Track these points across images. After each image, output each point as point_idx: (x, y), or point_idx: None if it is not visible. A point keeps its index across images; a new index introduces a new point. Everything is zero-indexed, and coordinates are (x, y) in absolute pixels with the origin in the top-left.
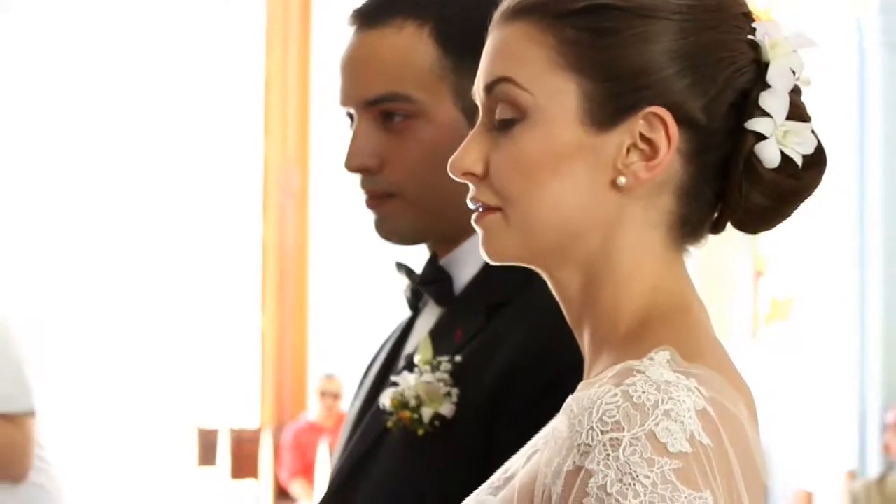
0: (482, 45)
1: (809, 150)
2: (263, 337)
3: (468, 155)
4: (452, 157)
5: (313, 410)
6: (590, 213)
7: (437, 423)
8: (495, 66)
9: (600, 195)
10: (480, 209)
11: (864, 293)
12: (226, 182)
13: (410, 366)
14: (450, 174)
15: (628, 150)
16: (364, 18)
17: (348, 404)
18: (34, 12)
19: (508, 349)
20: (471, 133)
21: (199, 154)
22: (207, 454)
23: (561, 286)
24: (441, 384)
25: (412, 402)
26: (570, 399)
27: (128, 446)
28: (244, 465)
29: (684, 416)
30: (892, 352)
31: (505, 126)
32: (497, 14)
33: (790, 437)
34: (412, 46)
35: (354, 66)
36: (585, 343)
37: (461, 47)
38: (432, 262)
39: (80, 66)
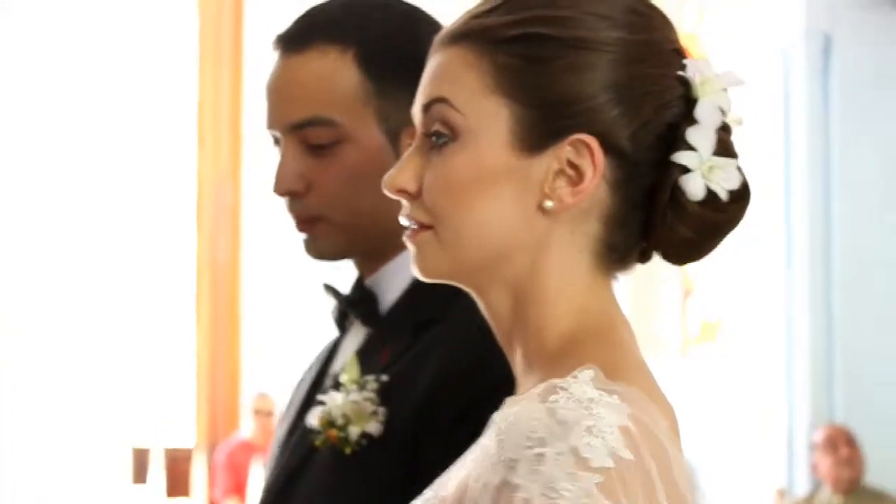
0: (405, 69)
1: (734, 185)
2: (197, 355)
3: (403, 173)
4: (387, 174)
5: (247, 429)
6: (517, 234)
7: (364, 441)
8: (432, 87)
9: (527, 217)
10: (413, 227)
11: (791, 315)
12: (159, 197)
13: (337, 385)
14: (384, 191)
15: (556, 175)
16: (288, 44)
17: None
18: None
19: (434, 367)
20: (407, 152)
21: (133, 169)
22: (141, 473)
23: (490, 306)
24: (368, 403)
25: (339, 421)
26: (496, 415)
27: (62, 464)
28: (178, 483)
29: (606, 432)
30: (819, 372)
31: (438, 146)
32: (438, 38)
33: (720, 456)
34: (335, 71)
35: (279, 91)
36: (516, 361)
37: (384, 71)
38: (358, 283)
39: (15, 79)
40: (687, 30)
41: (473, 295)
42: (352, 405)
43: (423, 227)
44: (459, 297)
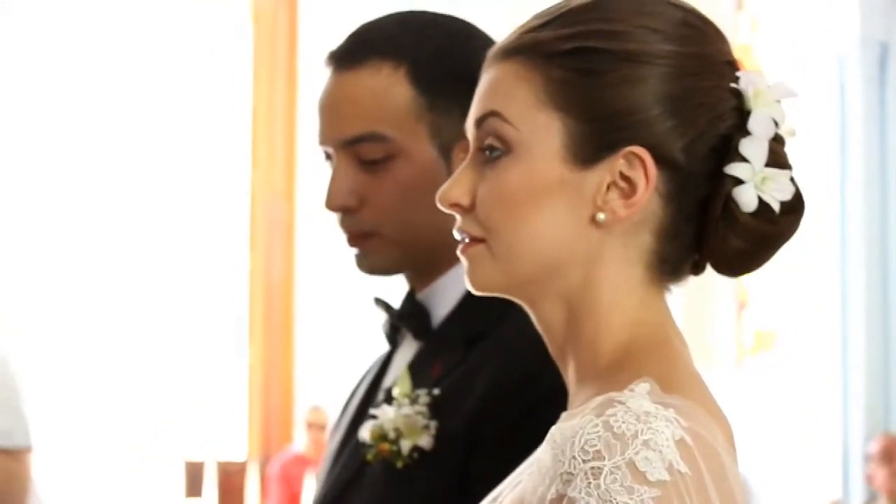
0: (457, 84)
1: (787, 196)
2: (250, 369)
3: (456, 187)
4: (441, 188)
5: (300, 442)
6: (570, 247)
7: (415, 455)
8: (486, 101)
9: (580, 230)
10: (466, 240)
11: (846, 325)
12: (213, 214)
13: (389, 399)
14: (438, 205)
15: (608, 188)
16: (340, 60)
17: None
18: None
19: (486, 380)
20: (461, 166)
21: (187, 187)
22: (194, 486)
23: (543, 319)
24: (419, 417)
25: (391, 435)
26: (553, 429)
27: (116, 479)
28: (231, 497)
29: (663, 446)
30: (874, 382)
31: (492, 159)
32: (491, 53)
33: (775, 467)
34: (388, 87)
35: (332, 107)
36: (569, 374)
37: (436, 87)
38: (410, 297)
39: (70, 91)
40: (741, 40)
41: (526, 308)
42: (404, 419)
43: (476, 240)
44: (511, 310)
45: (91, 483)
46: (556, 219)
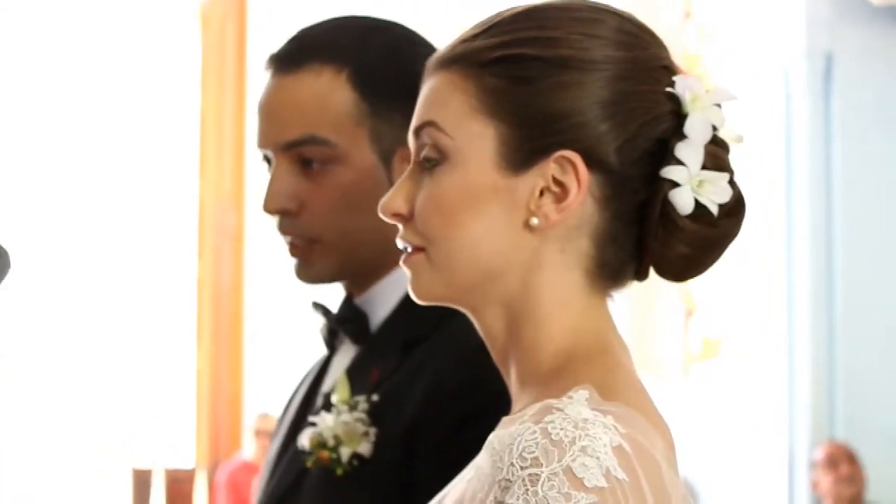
0: (400, 90)
1: (725, 199)
2: (198, 376)
3: (396, 196)
4: (383, 198)
5: (248, 449)
6: (507, 253)
7: (355, 462)
8: (422, 111)
9: (516, 236)
10: (408, 249)
11: (792, 332)
12: (161, 221)
13: (328, 405)
14: (380, 215)
15: (541, 193)
16: (282, 63)
17: None
18: None
19: (424, 384)
20: (402, 176)
21: (135, 193)
22: (142, 494)
23: (485, 326)
24: (359, 424)
25: (330, 442)
26: (491, 436)
27: (64, 487)
28: None
29: (600, 452)
30: (820, 389)
31: (429, 168)
32: (429, 63)
33: (721, 474)
34: (330, 91)
35: (272, 110)
36: (511, 380)
37: (379, 93)
38: (348, 302)
39: (16, 95)
40: (689, 50)
41: (470, 316)
42: (343, 426)
43: (417, 249)
44: (449, 315)
45: (39, 491)
46: (492, 226)
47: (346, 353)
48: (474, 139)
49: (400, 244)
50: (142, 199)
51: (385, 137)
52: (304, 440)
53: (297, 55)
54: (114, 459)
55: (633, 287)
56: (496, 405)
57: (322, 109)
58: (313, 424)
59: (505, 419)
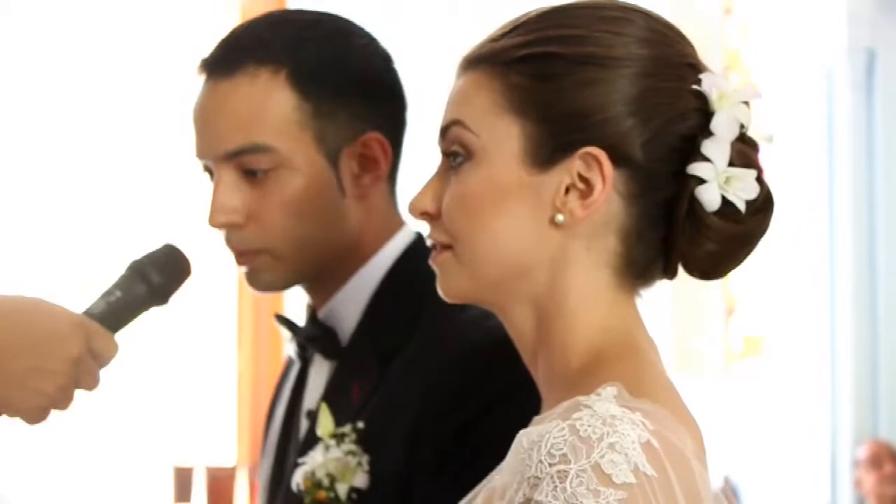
0: (342, 86)
1: (752, 195)
2: (239, 374)
3: (424, 195)
4: (412, 198)
5: None
6: (533, 250)
7: (354, 496)
8: (449, 111)
9: (542, 233)
10: (436, 248)
11: (835, 330)
12: (203, 222)
13: (313, 425)
14: (409, 214)
15: (567, 190)
16: (214, 67)
17: None
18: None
19: (412, 400)
20: (432, 175)
21: (177, 193)
22: (183, 492)
23: (514, 324)
24: (350, 457)
25: (325, 482)
26: (520, 434)
27: (104, 484)
28: (220, 502)
29: (629, 449)
30: (863, 387)
31: (455, 167)
32: (458, 64)
33: (763, 472)
34: (268, 94)
35: (208, 118)
36: (540, 378)
37: (320, 91)
38: (312, 318)
39: (43, 91)
40: (730, 46)
41: (498, 315)
42: (334, 462)
43: (444, 247)
44: (419, 318)
45: (80, 488)
46: (518, 223)
47: (322, 366)
48: (500, 137)
49: (429, 243)
50: (186, 197)
51: (330, 137)
52: (298, 481)
53: (230, 58)
54: (155, 457)
55: (675, 285)
56: (488, 414)
57: (261, 115)
58: (303, 465)
59: (536, 418)
